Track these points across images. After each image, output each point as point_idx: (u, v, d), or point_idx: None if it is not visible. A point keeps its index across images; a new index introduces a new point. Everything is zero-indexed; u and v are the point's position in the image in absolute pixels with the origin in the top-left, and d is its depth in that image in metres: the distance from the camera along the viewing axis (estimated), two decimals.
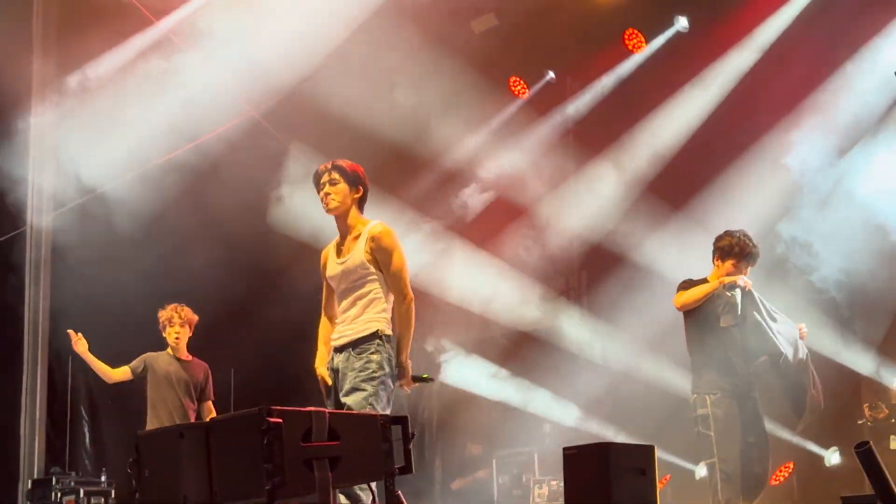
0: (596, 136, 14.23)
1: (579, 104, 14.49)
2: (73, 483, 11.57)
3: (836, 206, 12.33)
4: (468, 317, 14.30)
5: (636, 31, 13.68)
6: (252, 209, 12.98)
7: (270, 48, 11.97)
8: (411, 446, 5.05)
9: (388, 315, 6.74)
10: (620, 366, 13.66)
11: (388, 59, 12.91)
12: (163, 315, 9.59)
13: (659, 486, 10.47)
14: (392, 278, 6.69)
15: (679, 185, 13.35)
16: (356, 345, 6.62)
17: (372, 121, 13.05)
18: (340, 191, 6.81)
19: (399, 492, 4.95)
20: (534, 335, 14.60)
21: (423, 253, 13.67)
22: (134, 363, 9.53)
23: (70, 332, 9.48)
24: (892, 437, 11.56)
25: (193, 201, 12.72)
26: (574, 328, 14.48)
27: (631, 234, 13.47)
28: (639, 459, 5.37)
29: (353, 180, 6.86)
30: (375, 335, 6.61)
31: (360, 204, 6.91)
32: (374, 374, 6.49)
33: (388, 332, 6.68)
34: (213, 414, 9.40)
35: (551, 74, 14.70)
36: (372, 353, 6.56)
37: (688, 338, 8.78)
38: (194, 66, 11.83)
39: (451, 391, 14.95)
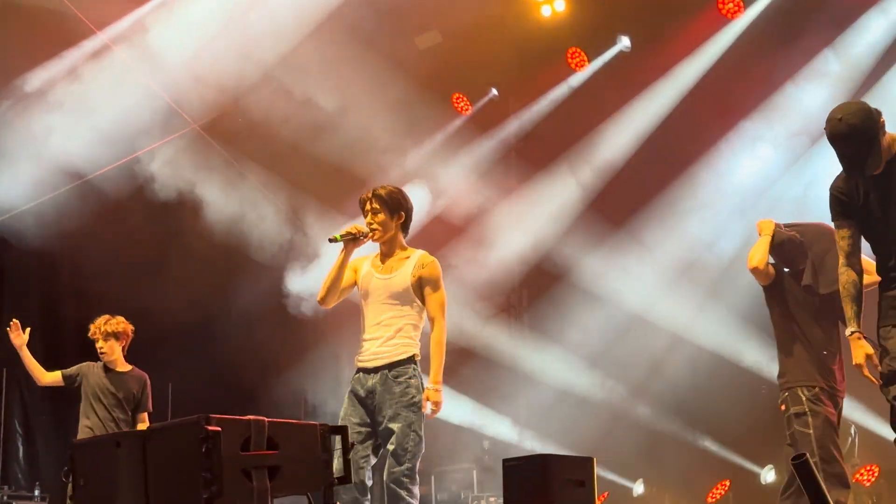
0: (538, 153, 14.30)
1: (522, 121, 14.56)
2: (5, 497, 11.40)
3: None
4: None
5: (579, 50, 13.77)
6: (192, 223, 12.90)
7: (212, 62, 11.91)
8: (350, 457, 5.03)
9: (418, 339, 6.83)
10: (560, 382, 13.70)
11: (331, 74, 12.89)
12: (90, 329, 9.47)
13: (597, 502, 10.53)
14: (434, 305, 6.77)
15: (620, 202, 13.45)
16: (392, 367, 6.69)
17: (314, 134, 13.02)
18: (382, 220, 6.86)
19: (338, 503, 4.92)
20: (474, 352, 14.60)
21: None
22: (70, 370, 9.38)
23: (14, 321, 9.28)
24: None
25: (131, 214, 12.64)
26: (514, 345, 14.51)
27: (571, 251, 13.53)
28: (578, 471, 5.38)
29: (393, 207, 6.89)
30: (412, 360, 6.72)
31: (404, 228, 6.97)
32: (415, 400, 6.61)
33: (419, 356, 6.78)
34: (147, 425, 9.29)
35: (494, 91, 14.76)
36: (410, 378, 6.67)
37: (772, 321, 7.74)
38: (131, 79, 11.73)
39: None
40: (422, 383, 6.68)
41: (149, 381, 9.44)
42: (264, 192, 13.39)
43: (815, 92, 12.05)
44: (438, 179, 14.02)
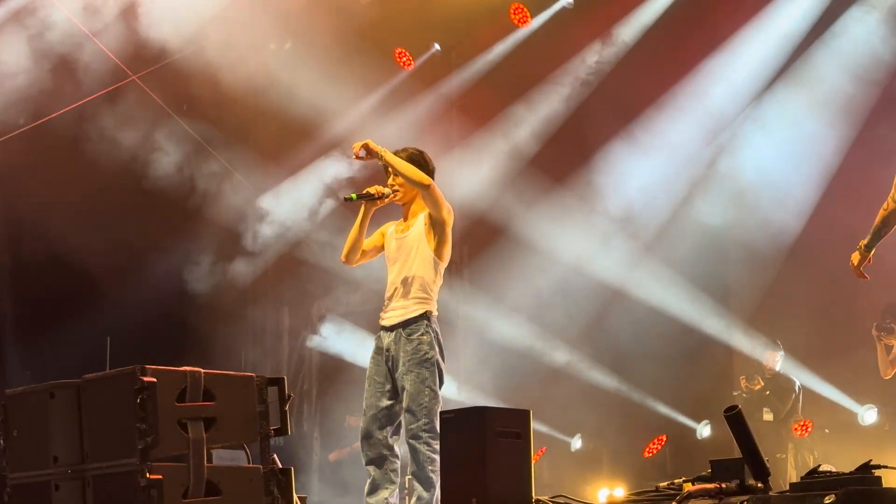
0: (480, 109, 14.27)
1: (464, 77, 14.51)
2: None
3: (712, 183, 12.60)
4: (349, 287, 14.27)
5: (521, 6, 13.72)
6: (128, 175, 12.79)
7: (152, 12, 11.76)
8: (287, 408, 5.03)
9: (435, 296, 6.85)
10: (499, 338, 13.76)
11: (273, 26, 12.79)
12: None
13: (535, 457, 10.59)
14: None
15: (561, 159, 13.49)
16: (406, 325, 6.74)
17: (255, 88, 12.93)
18: (403, 182, 6.90)
19: (274, 455, 4.92)
20: None
21: (307, 221, 13.63)
22: None
23: None
24: (765, 408, 11.86)
25: (67, 166, 12.50)
26: (454, 300, 14.53)
27: (512, 207, 13.56)
28: (514, 423, 5.41)
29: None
30: (424, 316, 6.74)
31: None
32: (428, 356, 6.66)
33: (435, 312, 6.81)
34: None
35: (437, 47, 14.68)
36: (423, 335, 6.70)
37: None
38: (70, 29, 11.56)
39: (331, 362, 14.92)
40: (436, 340, 6.73)
41: None
42: (204, 145, 13.28)
43: (758, 36, 12.19)
44: (380, 134, 13.97)
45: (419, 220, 6.91)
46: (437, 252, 6.85)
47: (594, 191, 13.09)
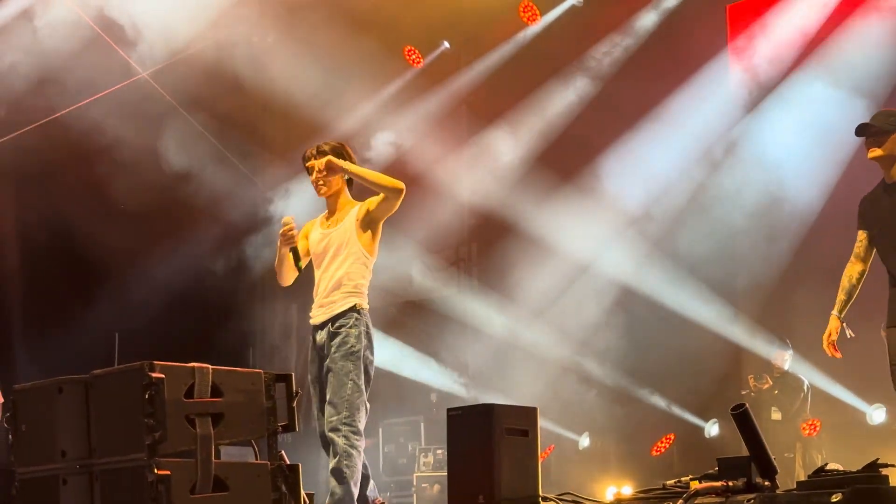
0: (489, 106, 14.28)
1: (473, 75, 14.52)
2: None
3: (724, 176, 12.58)
4: None
5: (531, 4, 13.73)
6: (138, 172, 12.81)
7: (162, 9, 11.78)
8: (295, 404, 5.03)
9: (365, 290, 6.73)
10: (508, 336, 13.76)
11: (283, 23, 12.79)
12: None
13: (543, 456, 10.59)
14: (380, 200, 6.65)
15: (570, 156, 13.48)
16: (334, 321, 6.62)
17: (264, 84, 12.94)
18: (323, 178, 6.77)
19: (282, 451, 4.92)
20: (423, 305, 14.64)
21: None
22: None
23: None
24: (773, 408, 11.84)
25: (77, 163, 12.52)
26: (463, 298, 14.55)
27: (521, 204, 13.55)
28: (521, 420, 5.41)
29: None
30: (353, 310, 6.62)
31: (350, 182, 6.87)
32: (353, 349, 6.52)
33: (365, 305, 6.69)
34: None
35: (446, 44, 14.69)
36: (350, 328, 6.57)
37: None
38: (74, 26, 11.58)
39: None
40: (364, 333, 6.60)
41: None
42: (214, 142, 13.30)
43: (769, 42, 12.18)
44: (389, 131, 13.99)
45: (350, 215, 6.76)
46: (369, 248, 6.73)
47: (603, 188, 13.07)
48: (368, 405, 6.66)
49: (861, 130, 6.76)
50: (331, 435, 6.42)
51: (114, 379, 4.62)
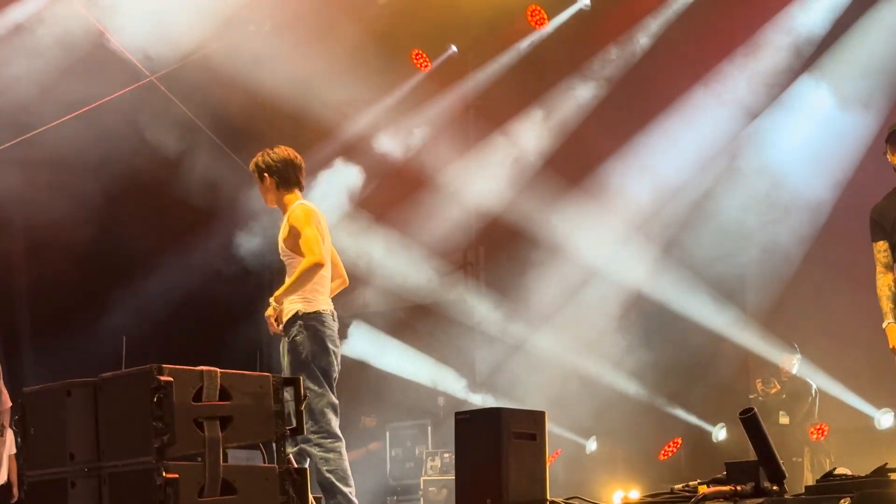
0: (496, 110, 14.28)
1: (481, 78, 14.51)
2: None
3: (733, 180, 12.57)
4: (364, 289, 14.28)
5: (539, 8, 13.73)
6: (145, 175, 12.83)
7: (168, 13, 11.79)
8: (303, 409, 5.03)
9: (312, 296, 6.77)
10: (515, 339, 13.76)
11: (291, 27, 12.80)
12: None
13: (550, 459, 10.57)
14: (301, 245, 6.70)
15: (578, 160, 13.48)
16: (286, 329, 6.78)
17: (273, 88, 12.93)
18: (262, 190, 7.03)
19: (290, 454, 4.93)
20: (430, 308, 14.63)
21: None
22: None
23: None
24: (781, 412, 11.83)
25: (85, 165, 12.52)
26: (470, 302, 14.54)
27: (528, 209, 13.55)
28: (529, 424, 5.40)
29: (260, 175, 7.02)
30: (296, 317, 6.71)
31: (284, 184, 6.98)
32: (302, 357, 6.66)
33: (309, 309, 6.73)
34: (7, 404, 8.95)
35: (454, 48, 14.69)
36: (296, 336, 6.69)
37: None
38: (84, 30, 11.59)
39: (346, 363, 14.88)
40: (310, 339, 6.67)
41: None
42: (221, 145, 13.31)
43: (779, 43, 12.18)
44: (397, 135, 14.00)
45: (283, 228, 6.91)
46: (300, 253, 6.77)
47: (611, 192, 13.07)
48: (336, 401, 6.73)
49: (891, 136, 6.80)
50: (304, 447, 6.53)
51: (122, 382, 4.63)
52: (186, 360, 4.78)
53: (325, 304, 6.82)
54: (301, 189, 7.12)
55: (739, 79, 12.40)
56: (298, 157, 7.15)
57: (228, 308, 14.03)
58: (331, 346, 6.75)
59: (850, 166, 11.65)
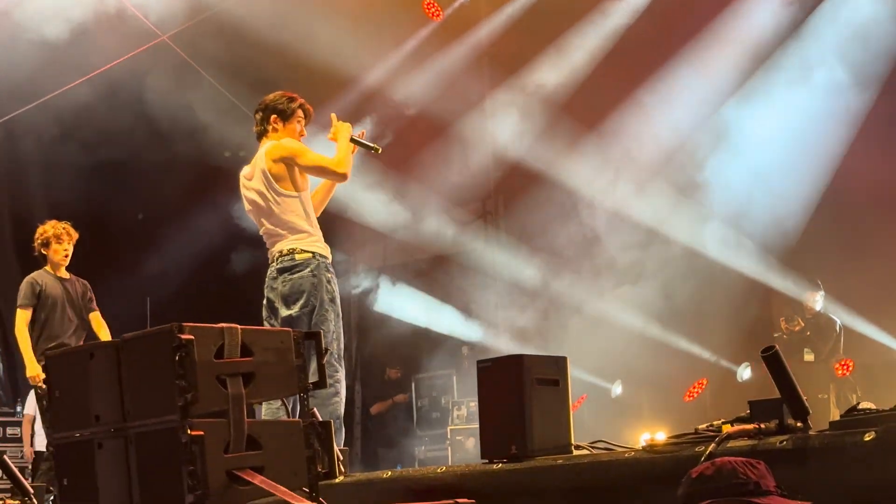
0: (511, 57, 14.19)
1: (493, 26, 14.41)
2: None
3: (746, 121, 12.49)
4: (385, 241, 14.29)
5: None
6: (164, 137, 12.82)
7: None
8: (325, 362, 5.05)
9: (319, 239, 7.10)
10: (537, 287, 13.75)
11: None
12: (47, 231, 8.97)
13: (576, 405, 10.58)
14: (318, 163, 7.18)
15: (594, 105, 13.39)
16: (300, 267, 7.19)
17: (285, 41, 12.88)
18: (274, 135, 7.12)
19: (314, 408, 4.94)
20: (451, 258, 14.64)
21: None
22: (27, 294, 8.76)
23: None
24: (805, 349, 11.81)
25: (104, 128, 12.53)
26: (491, 251, 14.53)
27: (546, 155, 13.50)
28: (552, 370, 5.39)
29: (263, 119, 7.18)
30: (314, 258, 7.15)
31: (283, 119, 7.22)
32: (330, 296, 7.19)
33: (325, 253, 7.15)
34: (103, 323, 9.18)
35: None
36: (314, 275, 7.15)
37: None
38: None
39: (369, 316, 14.98)
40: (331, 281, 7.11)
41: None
42: (235, 102, 13.26)
43: None
44: (411, 86, 13.94)
45: (264, 161, 7.15)
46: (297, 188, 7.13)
47: (628, 136, 13.00)
48: None
49: None
50: None
51: (144, 342, 4.64)
52: (210, 319, 4.79)
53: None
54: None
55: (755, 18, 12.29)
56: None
57: (251, 268, 14.07)
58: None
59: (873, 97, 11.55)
